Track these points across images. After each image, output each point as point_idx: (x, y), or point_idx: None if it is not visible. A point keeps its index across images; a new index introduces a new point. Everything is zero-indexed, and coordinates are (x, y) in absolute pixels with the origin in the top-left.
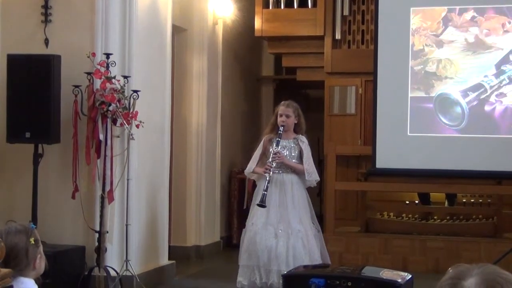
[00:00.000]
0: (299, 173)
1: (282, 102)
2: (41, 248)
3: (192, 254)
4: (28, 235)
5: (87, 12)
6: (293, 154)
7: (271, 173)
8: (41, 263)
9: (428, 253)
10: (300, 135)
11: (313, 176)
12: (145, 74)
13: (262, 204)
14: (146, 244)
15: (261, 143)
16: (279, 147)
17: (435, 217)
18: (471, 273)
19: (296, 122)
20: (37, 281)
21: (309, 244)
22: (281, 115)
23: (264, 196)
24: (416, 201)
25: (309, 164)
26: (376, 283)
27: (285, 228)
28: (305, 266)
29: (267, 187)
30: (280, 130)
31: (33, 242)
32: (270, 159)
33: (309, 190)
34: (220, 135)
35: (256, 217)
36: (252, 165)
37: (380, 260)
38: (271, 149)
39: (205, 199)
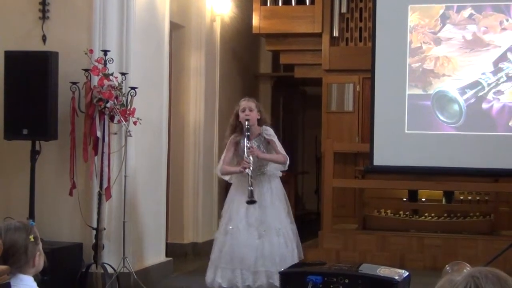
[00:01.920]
0: (278, 163)
1: (242, 99)
2: (40, 245)
3: (189, 251)
4: (28, 232)
5: (85, 8)
6: (263, 151)
7: (251, 167)
8: (40, 261)
9: (426, 250)
10: (264, 127)
11: (288, 162)
12: (142, 71)
13: (252, 200)
14: (143, 241)
15: (227, 146)
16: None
17: (433, 214)
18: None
19: (259, 117)
20: (35, 278)
21: (291, 243)
22: (243, 110)
23: (251, 192)
24: (404, 199)
25: (284, 153)
26: (373, 280)
27: (267, 229)
28: (301, 264)
29: (251, 182)
30: (247, 125)
31: (32, 239)
32: (246, 154)
33: (306, 187)
34: (218, 132)
35: (236, 220)
36: (222, 166)
37: (377, 257)
38: (246, 143)
39: (203, 196)
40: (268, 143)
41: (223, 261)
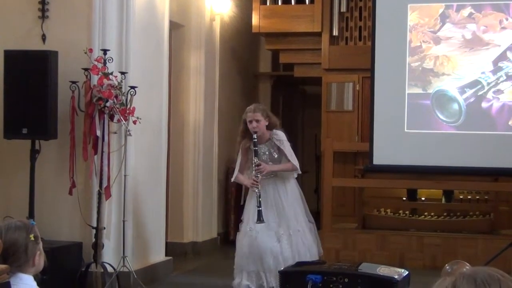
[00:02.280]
0: (288, 172)
1: (248, 108)
2: (40, 245)
3: (189, 250)
4: (28, 231)
5: (85, 8)
6: (275, 156)
7: (259, 186)
8: (40, 260)
9: (425, 249)
10: (274, 132)
11: (299, 169)
12: (142, 70)
13: (260, 222)
14: (143, 240)
15: (239, 152)
16: (258, 155)
17: (432, 214)
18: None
19: (267, 123)
20: (35, 277)
21: (308, 242)
22: (250, 122)
23: (260, 213)
24: (404, 198)
25: (294, 159)
26: (372, 279)
27: (285, 231)
28: (301, 263)
29: (259, 202)
30: (254, 138)
31: (32, 238)
32: (254, 172)
33: (306, 186)
34: (218, 131)
35: (253, 221)
36: (237, 174)
37: (377, 256)
38: (254, 160)
39: (202, 195)
40: (279, 147)
41: (245, 263)
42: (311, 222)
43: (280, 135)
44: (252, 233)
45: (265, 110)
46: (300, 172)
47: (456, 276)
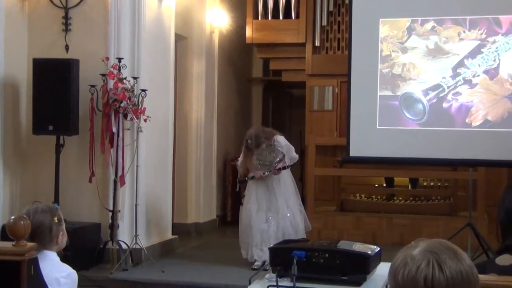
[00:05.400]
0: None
1: (248, 135)
2: (63, 226)
3: (192, 230)
4: (53, 214)
5: (102, 22)
6: (273, 154)
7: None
8: (63, 239)
9: (394, 229)
10: (276, 139)
11: (293, 160)
12: (151, 75)
13: (243, 180)
14: (152, 222)
15: (243, 151)
16: (257, 157)
17: (400, 198)
18: (419, 244)
19: (266, 141)
20: (59, 253)
21: (295, 223)
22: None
23: (241, 182)
24: (384, 184)
25: (289, 156)
26: (349, 254)
27: (274, 215)
28: (288, 241)
29: (252, 177)
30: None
31: (56, 221)
32: (268, 173)
33: (293, 175)
34: (216, 128)
35: (250, 203)
36: (241, 170)
37: (353, 235)
38: (254, 157)
39: (203, 182)
40: (278, 150)
41: (243, 237)
42: (301, 206)
43: (281, 142)
44: (247, 213)
45: (263, 133)
46: (290, 164)
47: (432, 251)
